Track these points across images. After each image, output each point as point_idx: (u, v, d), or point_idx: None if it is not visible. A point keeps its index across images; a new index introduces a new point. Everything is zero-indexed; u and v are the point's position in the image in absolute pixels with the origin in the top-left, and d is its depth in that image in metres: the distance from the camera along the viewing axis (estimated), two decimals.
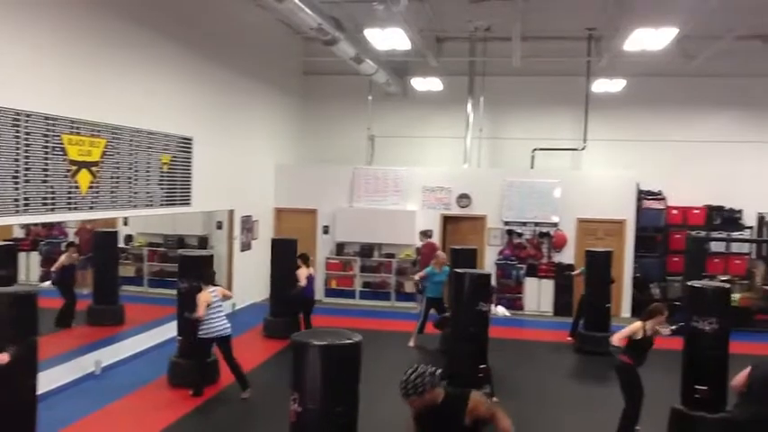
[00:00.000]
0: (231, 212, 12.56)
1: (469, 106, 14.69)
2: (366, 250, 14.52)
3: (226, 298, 8.32)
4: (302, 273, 10.55)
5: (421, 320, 10.92)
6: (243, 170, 12.96)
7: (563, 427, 7.62)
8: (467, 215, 14.27)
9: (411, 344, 10.80)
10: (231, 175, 12.30)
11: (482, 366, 7.30)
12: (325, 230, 14.69)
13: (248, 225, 13.32)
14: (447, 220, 14.38)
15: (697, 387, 7.01)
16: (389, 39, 10.49)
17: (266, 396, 8.03)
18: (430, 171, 14.55)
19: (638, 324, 6.86)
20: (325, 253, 14.65)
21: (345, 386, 4.20)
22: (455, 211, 14.29)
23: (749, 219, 14.32)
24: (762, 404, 5.13)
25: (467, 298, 7.34)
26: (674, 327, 7.19)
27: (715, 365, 7.01)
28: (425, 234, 13.41)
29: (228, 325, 8.07)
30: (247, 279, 12.64)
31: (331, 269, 14.58)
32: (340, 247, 14.65)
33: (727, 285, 7.81)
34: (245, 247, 13.16)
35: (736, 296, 12.88)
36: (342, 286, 14.52)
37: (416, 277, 11.00)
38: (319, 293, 14.38)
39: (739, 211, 14.27)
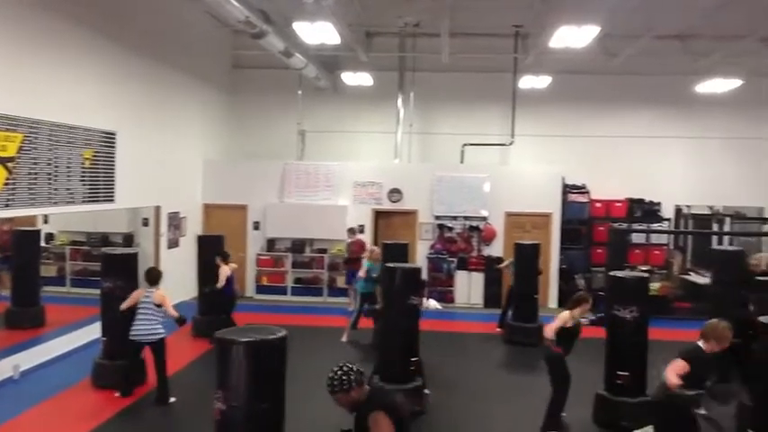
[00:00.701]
0: (158, 209, 12.23)
1: (400, 101, 14.76)
2: (298, 246, 14.42)
3: (167, 311, 7.71)
4: (224, 271, 10.40)
5: (355, 316, 10.93)
6: (170, 165, 12.65)
7: (493, 416, 7.77)
8: (398, 210, 14.35)
9: (344, 339, 10.79)
10: (158, 170, 11.99)
11: (413, 359, 7.36)
12: (256, 226, 14.51)
13: (176, 222, 13.02)
14: (379, 215, 14.42)
15: (619, 373, 7.29)
16: (319, 33, 10.45)
17: (195, 396, 7.86)
18: (361, 166, 14.56)
19: (566, 314, 7.05)
20: (255, 249, 14.47)
21: (270, 383, 4.14)
22: (387, 205, 14.35)
23: (667, 211, 14.99)
24: None
25: (397, 292, 7.39)
26: (593, 317, 7.42)
27: (635, 352, 7.30)
28: (352, 231, 13.43)
29: (149, 332, 7.67)
30: (175, 277, 12.31)
31: (262, 266, 14.41)
32: (271, 243, 14.49)
33: (646, 275, 8.14)
34: (173, 244, 12.86)
35: (655, 285, 13.45)
36: (273, 283, 14.37)
37: (362, 274, 10.93)
38: (250, 290, 14.26)
39: (658, 204, 14.90)
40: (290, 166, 14.55)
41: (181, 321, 7.85)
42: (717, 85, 13.69)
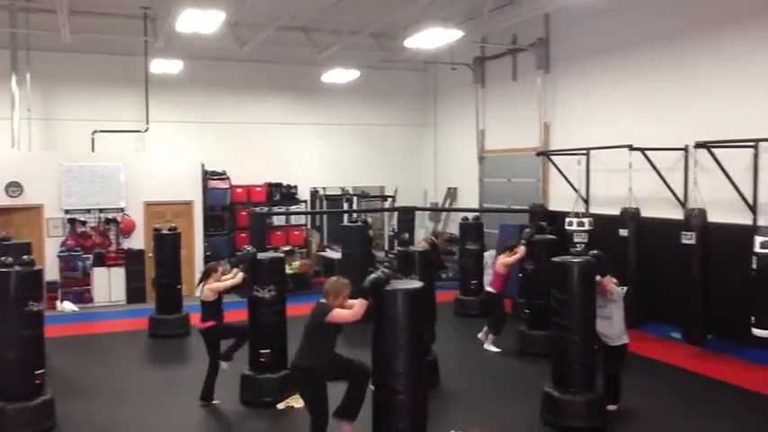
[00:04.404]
0: None
1: (14, 83, 13.08)
2: None
3: None
4: None
5: None
6: None
7: (135, 416, 7.37)
8: (19, 205, 12.77)
9: None
10: None
11: (38, 372, 6.61)
12: None
13: None
14: None
15: (261, 351, 7.55)
16: None
17: None
18: None
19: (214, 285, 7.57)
20: None
21: None
22: (5, 201, 12.66)
23: (304, 193, 15.95)
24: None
25: (13, 299, 6.52)
26: None
27: (275, 329, 7.63)
28: None
29: None
30: None
31: None
32: None
33: (282, 255, 8.56)
34: None
35: (295, 264, 14.26)
36: None
37: None
38: None
39: (295, 187, 15.77)
40: None
41: None
42: (338, 76, 14.88)
